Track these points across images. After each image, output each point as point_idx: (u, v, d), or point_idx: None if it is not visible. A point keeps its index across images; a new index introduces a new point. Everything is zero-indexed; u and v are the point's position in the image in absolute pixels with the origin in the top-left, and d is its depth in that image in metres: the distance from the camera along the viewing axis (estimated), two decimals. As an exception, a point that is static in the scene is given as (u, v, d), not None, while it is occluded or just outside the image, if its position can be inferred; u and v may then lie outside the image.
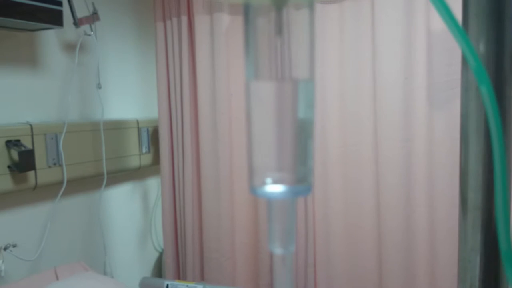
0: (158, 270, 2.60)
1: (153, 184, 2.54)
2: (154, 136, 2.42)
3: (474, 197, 0.36)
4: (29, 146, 1.77)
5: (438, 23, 1.70)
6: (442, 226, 1.78)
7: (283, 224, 0.34)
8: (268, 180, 0.33)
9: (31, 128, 1.79)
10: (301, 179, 0.33)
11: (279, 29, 0.31)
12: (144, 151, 2.36)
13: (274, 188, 0.33)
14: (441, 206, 1.77)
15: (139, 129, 2.33)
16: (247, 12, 0.32)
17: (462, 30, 0.26)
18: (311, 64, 0.32)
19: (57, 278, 1.78)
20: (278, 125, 0.32)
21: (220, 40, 2.07)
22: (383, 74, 1.82)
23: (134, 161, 2.31)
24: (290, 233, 0.34)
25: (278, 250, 0.35)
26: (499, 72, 0.36)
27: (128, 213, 2.39)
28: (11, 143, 1.71)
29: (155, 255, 2.60)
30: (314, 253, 2.02)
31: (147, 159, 2.39)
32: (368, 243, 1.94)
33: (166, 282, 2.05)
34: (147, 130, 2.39)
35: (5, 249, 1.76)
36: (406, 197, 1.83)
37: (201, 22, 2.11)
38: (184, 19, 2.15)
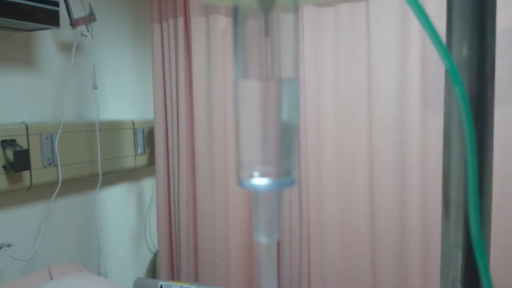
0: (152, 271, 2.60)
1: (148, 185, 2.55)
2: (149, 137, 2.42)
3: (457, 195, 0.37)
4: (24, 146, 1.78)
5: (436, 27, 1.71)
6: (435, 228, 1.79)
7: (268, 215, 0.36)
8: (255, 173, 0.35)
9: (27, 128, 1.80)
10: (285, 172, 0.35)
11: (266, 31, 0.33)
12: (139, 152, 2.37)
13: (260, 181, 0.35)
14: (435, 207, 1.79)
15: (134, 130, 2.34)
16: (236, 15, 0.34)
17: (436, 33, 0.27)
18: (296, 64, 0.34)
19: (51, 278, 1.78)
20: (264, 121, 0.34)
21: (216, 42, 2.09)
22: (378, 77, 1.83)
23: (129, 162, 2.32)
24: (274, 223, 0.37)
25: (263, 239, 0.37)
26: (481, 74, 0.37)
27: (122, 213, 2.39)
28: (6, 143, 1.72)
29: (150, 255, 2.61)
30: (308, 254, 2.03)
31: (142, 160, 2.39)
32: (362, 244, 1.95)
33: (160, 283, 2.06)
34: (143, 131, 2.39)
35: (-1, 248, 1.76)
36: (400, 199, 1.84)
37: (198, 23, 2.12)
38: (181, 20, 2.16)
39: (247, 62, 0.34)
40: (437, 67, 1.74)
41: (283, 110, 0.34)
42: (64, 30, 1.97)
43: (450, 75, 0.27)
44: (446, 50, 0.26)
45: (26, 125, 1.80)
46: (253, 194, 0.36)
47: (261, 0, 0.33)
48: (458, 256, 0.38)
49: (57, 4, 1.78)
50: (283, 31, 0.33)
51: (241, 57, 0.34)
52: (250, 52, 0.34)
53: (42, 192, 1.92)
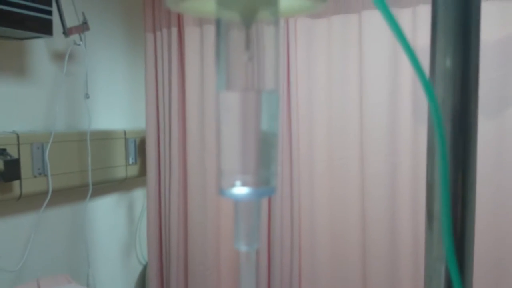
0: (142, 283, 2.58)
1: (139, 196, 2.54)
2: (141, 147, 2.42)
3: (439, 208, 0.37)
4: (15, 155, 1.77)
5: (422, 40, 1.73)
6: (426, 241, 1.79)
7: (248, 223, 0.38)
8: (236, 182, 0.36)
9: (18, 137, 1.79)
10: (264, 182, 0.36)
11: (248, 44, 0.33)
12: (130, 162, 2.36)
13: (239, 190, 0.36)
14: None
15: (126, 139, 2.33)
16: (218, 27, 0.34)
17: (410, 48, 0.27)
18: (276, 76, 0.34)
19: (40, 289, 1.76)
20: (244, 132, 0.35)
21: (210, 52, 2.09)
22: (369, 88, 1.84)
23: (120, 172, 2.30)
24: (254, 232, 0.37)
25: (243, 248, 0.38)
26: (465, 86, 0.37)
27: (113, 224, 2.38)
28: (-3, 152, 1.71)
29: (139, 267, 2.59)
30: (300, 264, 2.03)
31: (133, 170, 2.38)
32: (353, 255, 1.94)
33: (150, 294, 2.04)
34: (134, 141, 2.38)
35: (-13, 258, 1.74)
36: (391, 210, 1.84)
37: (191, 33, 2.13)
38: (174, 30, 2.17)
39: (229, 73, 0.35)
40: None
41: (263, 121, 0.35)
42: (57, 39, 1.97)
43: (425, 90, 0.26)
44: (419, 65, 0.26)
45: (17, 134, 1.79)
46: (234, 203, 0.37)
47: (243, 13, 0.33)
48: (441, 269, 0.38)
49: (50, 13, 1.78)
50: (264, 44, 0.35)
51: (223, 68, 0.35)
52: (232, 64, 0.35)
53: (32, 202, 1.90)
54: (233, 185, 0.36)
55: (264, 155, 0.35)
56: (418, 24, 1.73)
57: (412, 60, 0.28)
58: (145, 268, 2.58)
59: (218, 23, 0.35)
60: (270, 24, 0.35)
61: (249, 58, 0.34)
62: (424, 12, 1.72)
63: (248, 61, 0.34)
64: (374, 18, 1.81)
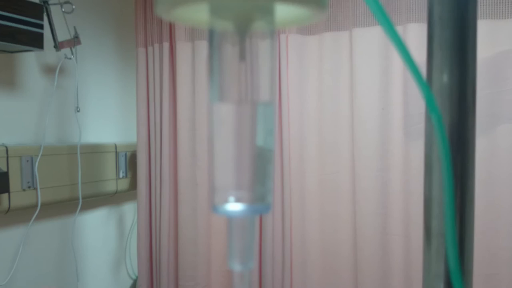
0: (132, 298, 2.55)
1: (129, 210, 2.51)
2: (131, 161, 2.40)
3: (438, 224, 0.37)
4: (4, 169, 1.74)
5: (413, 56, 1.74)
6: (417, 256, 1.79)
7: (243, 242, 0.35)
8: (229, 198, 0.35)
9: (7, 150, 1.77)
10: (260, 198, 0.35)
11: (242, 55, 0.32)
12: (121, 175, 2.34)
13: (233, 207, 0.35)
14: (417, 235, 1.79)
15: (117, 153, 2.31)
16: (211, 37, 0.33)
17: (412, 61, 0.27)
18: (272, 89, 0.33)
19: (27, 305, 1.73)
20: (238, 144, 0.34)
21: (201, 67, 2.09)
22: (361, 104, 1.85)
23: (110, 186, 2.28)
24: (249, 251, 0.36)
25: (237, 267, 0.36)
26: (462, 102, 0.37)
27: (102, 238, 2.35)
28: (-15, 165, 1.69)
29: (129, 282, 2.55)
30: (291, 281, 2.01)
31: (124, 184, 2.36)
32: (345, 271, 1.93)
33: (139, 310, 2.01)
34: (125, 154, 2.37)
35: (-27, 273, 1.71)
36: (382, 226, 1.84)
37: (183, 49, 2.13)
38: (166, 45, 2.17)
39: (222, 85, 0.34)
40: (418, 96, 1.76)
41: (258, 133, 0.34)
42: (48, 53, 1.96)
43: (427, 103, 0.26)
44: (421, 77, 0.26)
45: (6, 147, 1.77)
46: (227, 220, 0.35)
47: (237, 23, 0.32)
48: (440, 287, 0.37)
49: (41, 27, 1.77)
50: (259, 55, 0.33)
51: (216, 80, 0.34)
52: (226, 76, 0.33)
53: (20, 215, 1.88)
54: (226, 202, 0.34)
55: (260, 170, 0.34)
56: (409, 42, 1.74)
57: (414, 73, 0.27)
58: (135, 283, 2.55)
59: (211, 33, 0.34)
60: (266, 34, 0.34)
61: (244, 69, 0.32)
62: (414, 30, 1.74)
63: (243, 72, 0.32)
64: (364, 36, 1.83)
